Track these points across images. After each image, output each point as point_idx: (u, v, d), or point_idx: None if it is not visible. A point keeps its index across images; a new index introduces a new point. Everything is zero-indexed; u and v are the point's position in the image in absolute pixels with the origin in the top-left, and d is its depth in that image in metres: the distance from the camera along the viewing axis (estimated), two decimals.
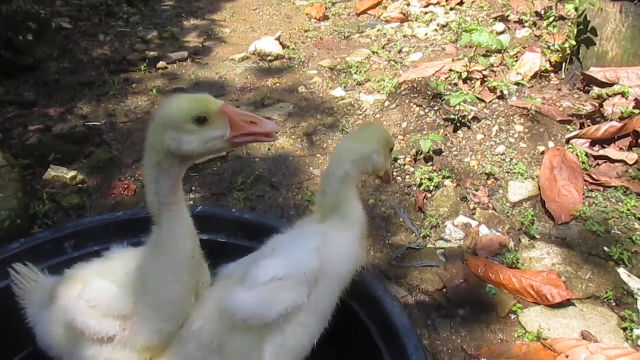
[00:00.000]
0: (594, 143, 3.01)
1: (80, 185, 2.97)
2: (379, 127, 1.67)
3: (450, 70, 3.73)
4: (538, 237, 2.54)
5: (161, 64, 4.44)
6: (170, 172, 1.34)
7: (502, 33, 4.24)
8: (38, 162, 3.07)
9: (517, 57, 3.86)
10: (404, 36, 4.64)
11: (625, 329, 2.09)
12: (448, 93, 3.29)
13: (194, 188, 2.97)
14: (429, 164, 2.96)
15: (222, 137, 1.29)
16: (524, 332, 2.12)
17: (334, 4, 5.60)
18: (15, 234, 2.47)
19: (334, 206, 1.50)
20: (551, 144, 3.01)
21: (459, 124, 3.14)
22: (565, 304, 2.20)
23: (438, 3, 5.04)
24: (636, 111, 2.98)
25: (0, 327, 1.56)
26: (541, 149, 2.98)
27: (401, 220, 2.69)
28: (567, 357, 1.98)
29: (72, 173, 2.98)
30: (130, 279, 1.43)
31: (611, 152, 2.93)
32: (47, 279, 1.63)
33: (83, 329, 1.40)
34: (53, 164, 3.04)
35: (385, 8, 5.22)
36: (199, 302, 1.47)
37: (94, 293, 1.42)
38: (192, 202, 2.85)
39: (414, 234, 2.61)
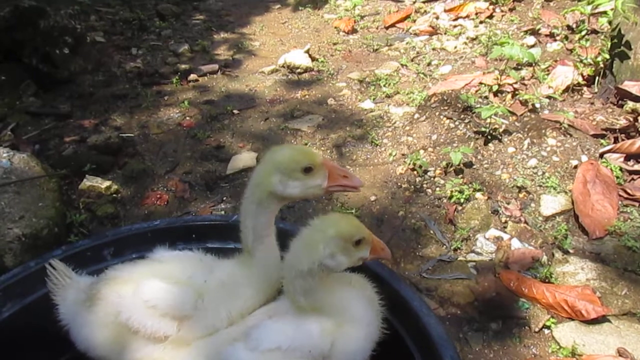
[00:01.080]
0: (628, 157, 2.96)
1: (114, 195, 3.03)
2: (330, 223, 1.42)
3: (481, 83, 3.72)
4: (571, 251, 2.50)
5: (192, 76, 4.53)
6: (267, 209, 1.52)
7: (532, 46, 4.21)
8: (74, 172, 3.15)
9: (548, 70, 3.83)
10: (433, 49, 4.65)
11: None
12: (478, 106, 3.28)
13: (224, 198, 3.01)
14: (460, 176, 2.95)
15: (320, 186, 1.49)
16: (558, 347, 2.09)
17: (362, 17, 5.64)
18: (53, 242, 2.54)
19: (316, 311, 1.44)
20: (584, 158, 2.98)
21: (489, 137, 3.13)
22: (601, 319, 2.16)
23: (467, 16, 5.04)
24: None
25: (43, 331, 1.58)
26: (574, 162, 2.95)
27: (431, 232, 2.68)
28: None
29: (107, 183, 3.05)
30: (196, 281, 1.52)
31: None
32: (82, 278, 1.67)
33: (139, 327, 1.45)
34: (88, 174, 3.11)
35: (414, 21, 5.23)
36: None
37: (153, 293, 1.48)
38: (223, 212, 2.88)
39: (445, 246, 2.60)
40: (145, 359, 1.46)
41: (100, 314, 1.52)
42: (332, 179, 1.49)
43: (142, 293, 1.48)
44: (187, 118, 3.86)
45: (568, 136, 3.09)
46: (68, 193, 3.02)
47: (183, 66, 4.72)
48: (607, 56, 3.47)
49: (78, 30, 4.54)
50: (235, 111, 3.94)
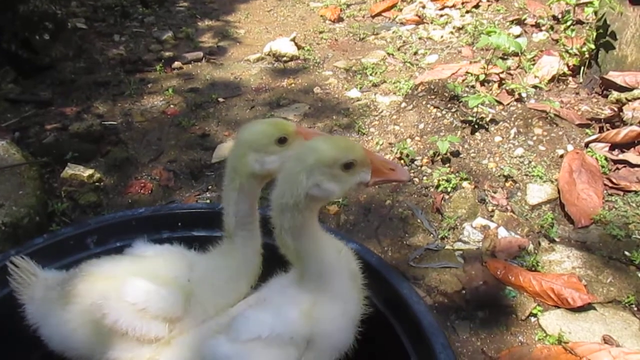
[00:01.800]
0: (613, 147, 2.98)
1: (97, 184, 2.98)
2: (310, 149, 1.28)
3: (467, 73, 3.72)
4: (557, 240, 2.52)
5: (176, 64, 4.46)
6: (249, 194, 1.46)
7: (518, 36, 4.22)
8: (55, 160, 3.09)
9: (534, 60, 3.84)
10: (419, 38, 4.63)
11: None
12: (465, 95, 3.27)
13: (210, 187, 2.97)
14: (447, 165, 2.95)
15: None
16: (544, 335, 2.10)
17: (348, 5, 5.60)
18: (34, 231, 2.49)
19: (301, 261, 1.37)
20: (570, 147, 2.99)
21: (476, 126, 3.13)
22: (586, 307, 2.18)
23: (454, 6, 5.02)
24: None
25: (24, 322, 1.54)
26: (560, 152, 2.96)
27: (419, 221, 2.67)
28: None
29: (89, 171, 2.99)
30: (181, 281, 1.47)
31: (631, 156, 2.90)
32: (49, 273, 1.58)
33: (127, 330, 1.38)
34: (70, 162, 3.05)
35: (400, 10, 5.21)
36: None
37: (141, 295, 1.41)
38: (208, 200, 2.85)
39: (432, 235, 2.59)
40: (139, 357, 1.41)
41: (78, 313, 1.44)
42: None
43: (128, 295, 1.40)
44: (172, 106, 3.81)
45: (554, 126, 3.10)
46: (49, 181, 2.96)
47: (167, 53, 4.65)
48: (593, 46, 3.48)
49: (58, 16, 4.44)
50: (221, 99, 3.89)
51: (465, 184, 2.82)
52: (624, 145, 2.98)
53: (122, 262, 1.53)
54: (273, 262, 1.49)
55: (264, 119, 1.46)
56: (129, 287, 1.42)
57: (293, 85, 4.08)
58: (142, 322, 1.39)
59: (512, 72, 3.74)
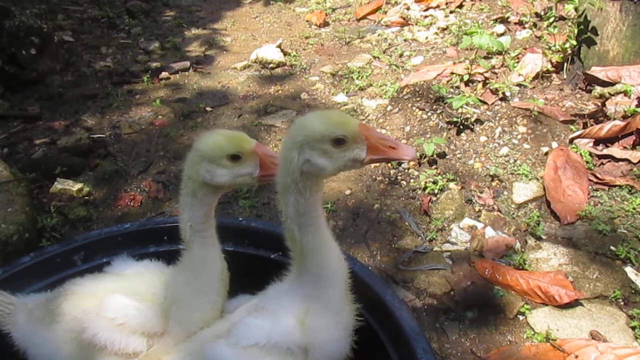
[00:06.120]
0: (597, 142, 3.02)
1: (86, 198, 2.99)
2: (301, 126, 1.28)
3: (452, 73, 3.74)
4: (544, 237, 2.54)
5: (164, 74, 4.47)
6: (203, 201, 1.45)
7: (502, 35, 4.24)
8: (44, 175, 3.10)
9: (518, 58, 3.87)
10: (405, 40, 4.66)
11: (634, 328, 2.09)
12: (450, 96, 3.30)
13: None
14: (433, 167, 2.97)
15: (251, 175, 1.42)
16: (532, 333, 2.12)
17: (333, 9, 5.62)
18: (24, 247, 2.49)
19: (304, 258, 1.37)
20: (554, 144, 3.02)
21: (461, 127, 3.15)
22: (573, 304, 2.21)
23: (438, 6, 5.05)
24: (639, 109, 2.98)
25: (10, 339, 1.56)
26: (545, 149, 2.99)
27: (407, 223, 2.69)
28: (576, 357, 1.98)
29: (78, 185, 3.00)
30: (159, 298, 1.49)
31: (615, 150, 2.93)
32: (27, 297, 1.61)
33: (106, 344, 1.41)
34: (59, 177, 3.06)
35: (385, 12, 5.24)
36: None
37: (119, 310, 1.44)
38: None
39: (420, 237, 2.61)
40: None
41: (61, 331, 1.47)
42: (264, 167, 1.40)
43: (107, 310, 1.44)
44: (160, 117, 3.82)
45: (538, 123, 3.13)
46: (39, 197, 2.97)
47: (154, 64, 4.66)
48: (575, 42, 3.51)
49: (45, 30, 4.44)
50: (208, 108, 3.91)
51: (452, 185, 2.85)
52: (608, 140, 3.01)
53: (104, 280, 1.57)
54: (265, 274, 1.52)
55: (225, 130, 1.44)
56: (108, 302, 1.46)
57: (280, 91, 4.10)
58: (120, 336, 1.43)
59: (496, 70, 3.76)
